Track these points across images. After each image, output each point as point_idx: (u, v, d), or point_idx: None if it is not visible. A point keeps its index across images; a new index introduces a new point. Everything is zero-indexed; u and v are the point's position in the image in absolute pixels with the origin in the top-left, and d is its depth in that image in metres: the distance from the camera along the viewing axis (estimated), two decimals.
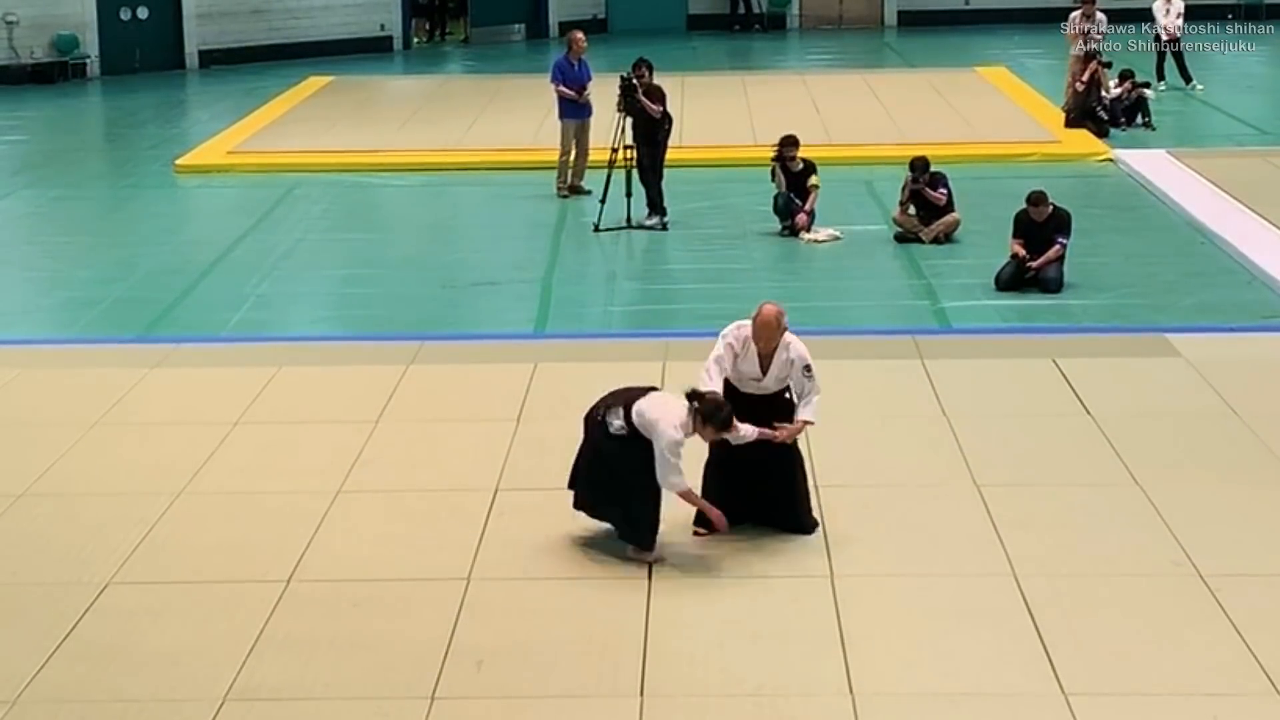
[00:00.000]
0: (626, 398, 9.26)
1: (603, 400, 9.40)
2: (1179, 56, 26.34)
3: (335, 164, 21.61)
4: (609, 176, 17.83)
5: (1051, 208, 15.33)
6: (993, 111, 24.35)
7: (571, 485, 9.54)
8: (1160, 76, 26.32)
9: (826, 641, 8.35)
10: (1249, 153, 21.36)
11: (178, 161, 22.01)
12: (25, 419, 11.88)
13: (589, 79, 19.43)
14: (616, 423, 9.17)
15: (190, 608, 8.85)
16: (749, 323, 9.46)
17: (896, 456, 10.79)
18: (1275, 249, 16.02)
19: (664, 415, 9.06)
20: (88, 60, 30.68)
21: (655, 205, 17.93)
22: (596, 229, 17.68)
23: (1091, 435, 11.11)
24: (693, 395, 9.12)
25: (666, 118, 17.91)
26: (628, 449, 9.12)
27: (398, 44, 34.76)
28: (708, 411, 9.06)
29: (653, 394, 9.29)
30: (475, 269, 16.47)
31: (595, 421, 9.33)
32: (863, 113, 24.37)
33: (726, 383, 9.48)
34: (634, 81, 17.67)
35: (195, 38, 32.07)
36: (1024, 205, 15.44)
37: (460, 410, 11.93)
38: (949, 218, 16.94)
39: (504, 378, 12.48)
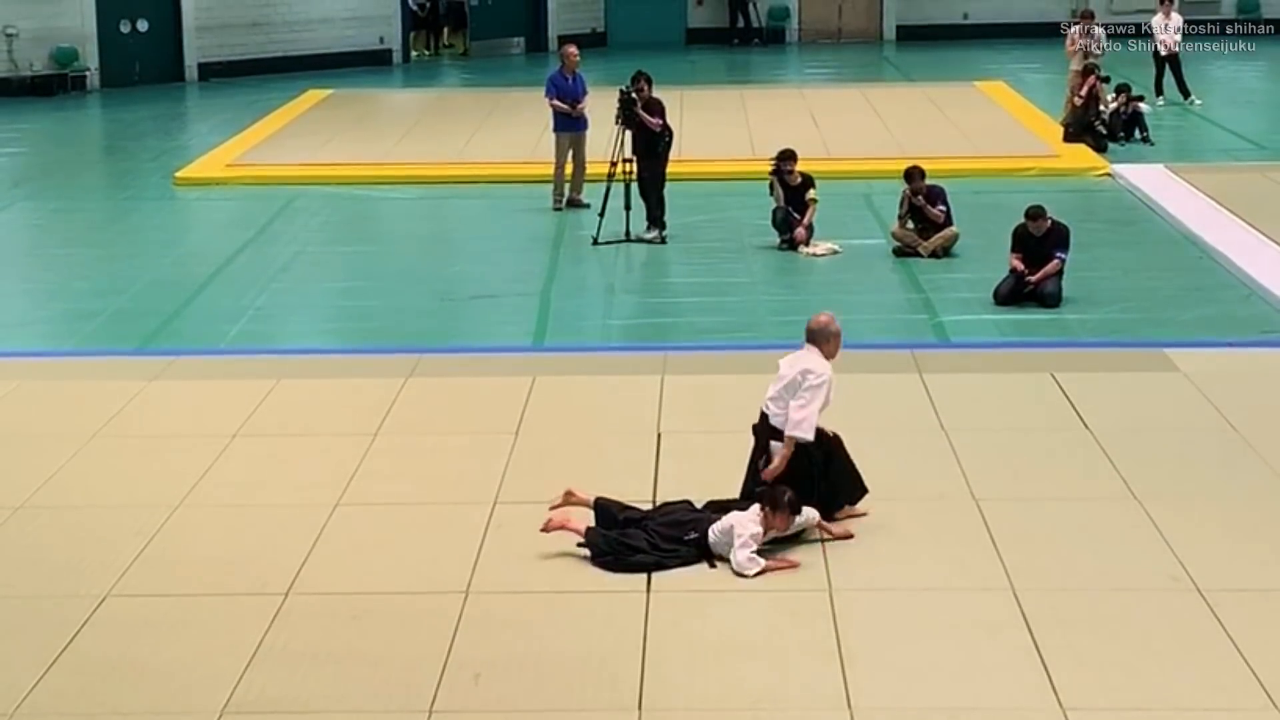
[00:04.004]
0: (698, 521, 9.57)
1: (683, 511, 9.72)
2: (1178, 71, 26.37)
3: (334, 177, 21.63)
4: (608, 189, 17.85)
5: (1050, 222, 15.34)
6: (991, 126, 24.37)
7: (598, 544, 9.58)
8: (1159, 92, 26.35)
9: (825, 655, 8.35)
10: (1247, 167, 21.37)
11: (177, 174, 22.02)
12: (23, 431, 11.88)
13: (584, 92, 19.46)
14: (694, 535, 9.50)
15: (188, 620, 8.84)
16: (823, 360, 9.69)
17: (895, 470, 10.77)
18: (1274, 263, 16.04)
19: (739, 519, 9.40)
20: (87, 72, 30.70)
21: (654, 218, 17.94)
22: (595, 242, 17.69)
23: (1090, 450, 11.10)
24: (758, 496, 9.50)
25: (666, 130, 17.93)
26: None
27: (397, 57, 34.78)
28: (769, 499, 9.40)
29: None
30: (474, 282, 16.47)
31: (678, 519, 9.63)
32: (861, 127, 24.39)
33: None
34: (633, 95, 17.68)
35: (195, 50, 32.09)
36: (1022, 219, 15.44)
37: (458, 423, 11.93)
38: (947, 232, 16.95)
39: (502, 391, 12.48)
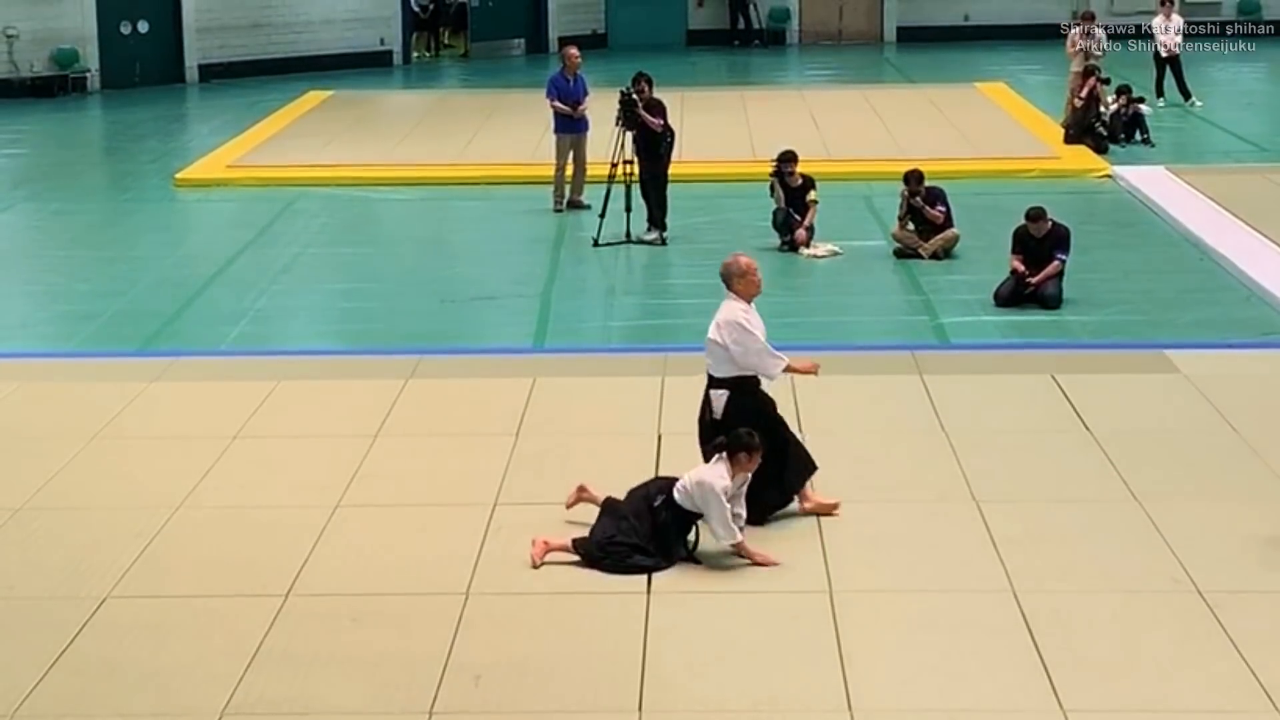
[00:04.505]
0: (663, 483, 9.59)
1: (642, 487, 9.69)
2: (1178, 73, 26.37)
3: (335, 178, 21.63)
4: (608, 191, 17.84)
5: (1050, 224, 15.34)
6: (992, 127, 24.37)
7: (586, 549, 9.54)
8: (1160, 93, 26.35)
9: (825, 657, 8.34)
10: (1248, 169, 21.38)
11: (177, 175, 22.02)
12: (23, 432, 11.87)
13: (585, 94, 19.46)
14: (661, 498, 9.48)
15: (188, 622, 8.84)
16: (740, 300, 9.90)
17: (895, 472, 10.78)
18: (1274, 265, 16.03)
19: (706, 473, 9.36)
20: (88, 74, 30.69)
21: (655, 220, 17.93)
22: (595, 243, 17.69)
23: (1090, 451, 11.10)
24: (718, 446, 9.46)
25: (668, 131, 17.92)
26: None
27: (397, 58, 34.77)
28: (738, 444, 9.38)
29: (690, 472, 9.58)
30: (474, 283, 16.47)
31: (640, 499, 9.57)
32: (862, 128, 24.39)
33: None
34: (634, 96, 17.67)
35: (195, 51, 32.07)
36: (1023, 221, 15.44)
37: (459, 425, 11.93)
38: (948, 233, 16.95)
39: (502, 392, 12.48)
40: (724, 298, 10.00)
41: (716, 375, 9.94)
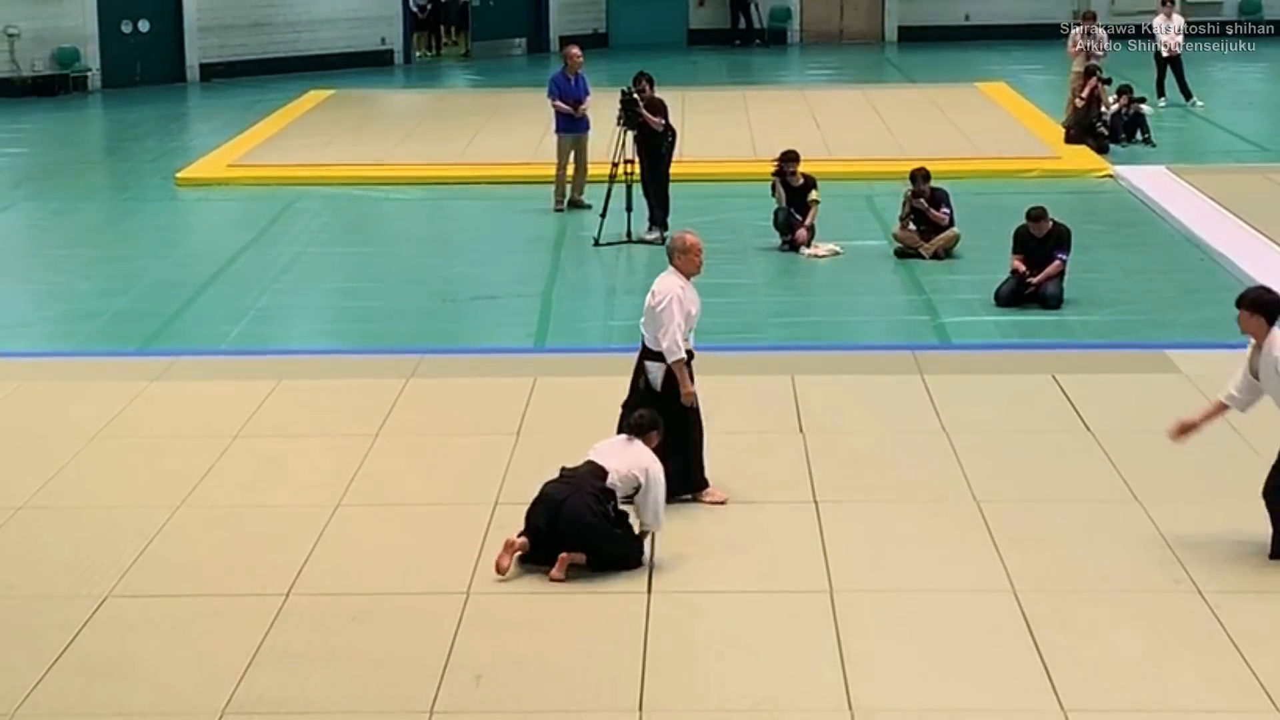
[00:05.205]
0: (588, 473, 9.43)
1: (557, 482, 9.48)
2: (1179, 72, 26.38)
3: (336, 177, 21.62)
4: (609, 190, 17.84)
5: (1051, 223, 15.34)
6: (993, 127, 24.37)
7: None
8: (1160, 93, 26.36)
9: (825, 656, 8.34)
10: (1249, 169, 21.39)
11: (178, 174, 22.02)
12: (25, 432, 11.88)
13: (586, 94, 19.46)
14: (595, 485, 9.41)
15: (189, 621, 8.84)
16: (679, 276, 10.10)
17: (896, 472, 10.78)
18: (1275, 265, 16.02)
19: (641, 457, 9.43)
20: (89, 73, 30.69)
21: (656, 219, 17.93)
22: (596, 243, 17.69)
23: (1091, 451, 11.10)
24: (631, 428, 9.65)
25: (670, 130, 17.92)
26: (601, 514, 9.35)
27: (399, 58, 34.78)
28: (654, 423, 9.62)
29: (602, 457, 9.50)
30: (475, 283, 16.47)
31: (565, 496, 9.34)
32: (863, 128, 24.39)
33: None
34: (635, 95, 17.67)
35: (196, 51, 32.08)
36: (1024, 221, 15.44)
37: (460, 424, 11.93)
38: (949, 233, 16.95)
39: (503, 392, 12.48)
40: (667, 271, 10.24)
41: (654, 348, 10.09)
